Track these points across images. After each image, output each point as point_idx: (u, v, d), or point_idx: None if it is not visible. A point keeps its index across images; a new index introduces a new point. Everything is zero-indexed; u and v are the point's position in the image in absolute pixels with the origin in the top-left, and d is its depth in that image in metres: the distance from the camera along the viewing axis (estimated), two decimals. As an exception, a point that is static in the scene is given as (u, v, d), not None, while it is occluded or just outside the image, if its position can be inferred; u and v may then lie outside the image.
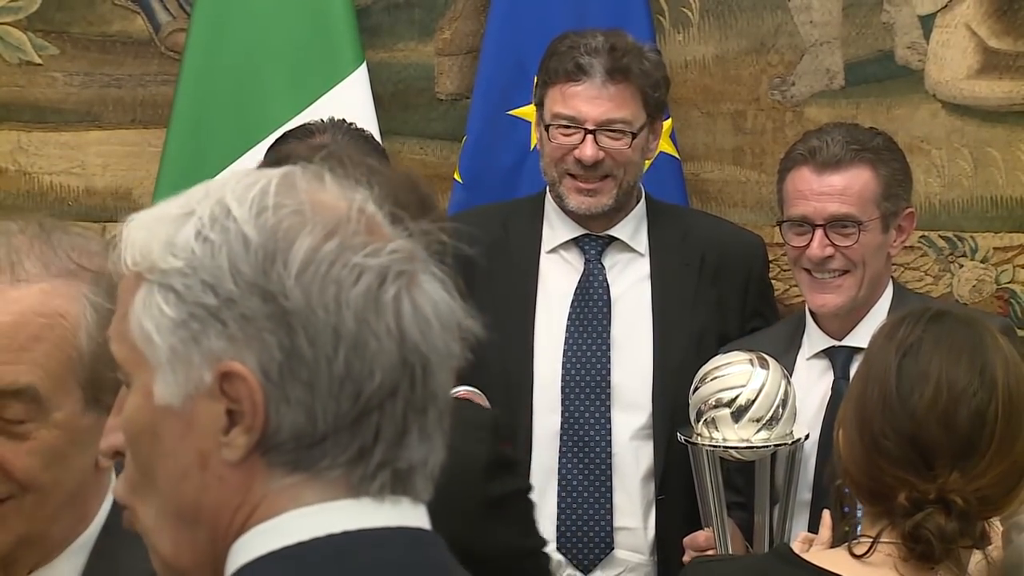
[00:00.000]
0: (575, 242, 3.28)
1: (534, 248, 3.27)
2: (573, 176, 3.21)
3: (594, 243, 3.27)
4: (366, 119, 3.77)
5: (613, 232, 3.28)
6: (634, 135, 3.20)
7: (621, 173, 3.21)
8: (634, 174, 3.24)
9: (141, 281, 1.24)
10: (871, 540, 2.05)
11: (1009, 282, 3.79)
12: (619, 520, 3.20)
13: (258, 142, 3.73)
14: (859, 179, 3.09)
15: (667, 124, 3.73)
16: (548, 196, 3.31)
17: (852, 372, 2.39)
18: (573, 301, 3.24)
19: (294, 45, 3.77)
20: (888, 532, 2.05)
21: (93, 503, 1.72)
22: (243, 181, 1.27)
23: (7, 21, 4.05)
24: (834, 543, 2.28)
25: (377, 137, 3.78)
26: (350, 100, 3.76)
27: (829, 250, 3.08)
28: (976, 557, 2.15)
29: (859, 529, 2.18)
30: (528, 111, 3.75)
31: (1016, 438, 2.07)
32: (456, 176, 3.77)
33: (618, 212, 3.27)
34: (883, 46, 3.81)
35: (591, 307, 3.24)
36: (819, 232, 3.08)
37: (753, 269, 3.36)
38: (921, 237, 3.80)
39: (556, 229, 3.29)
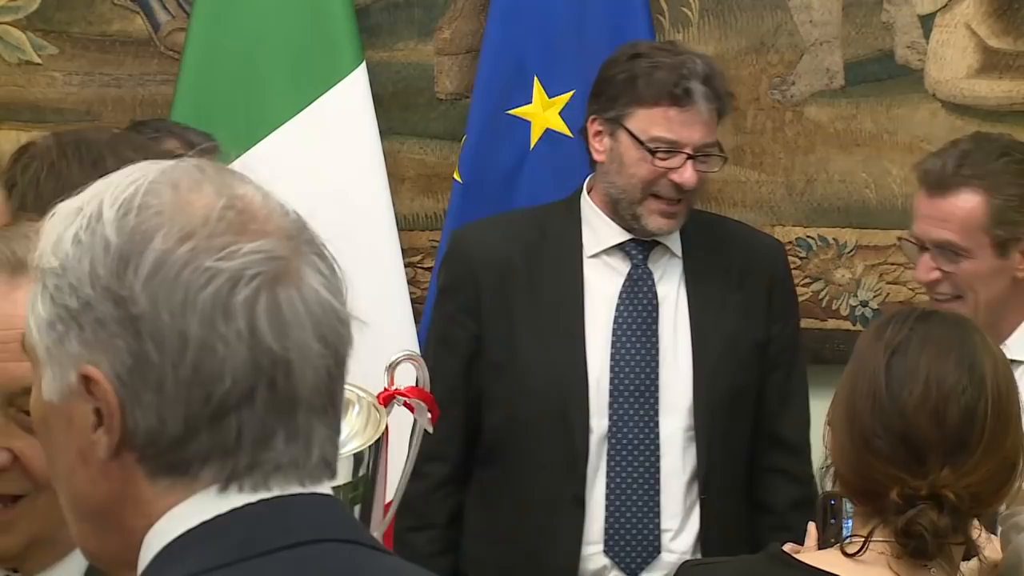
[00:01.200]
0: (619, 247, 3.29)
1: (575, 252, 3.28)
2: (658, 197, 3.21)
3: (641, 247, 3.28)
4: (366, 119, 3.78)
5: (658, 237, 3.29)
6: (725, 160, 3.27)
7: (696, 194, 3.27)
8: (700, 192, 3.31)
9: (35, 277, 1.28)
10: (863, 539, 2.05)
11: (1009, 282, 3.79)
12: (666, 523, 3.21)
13: (258, 142, 3.73)
14: (964, 205, 3.03)
15: None
16: (586, 201, 3.31)
17: None
18: (619, 304, 3.25)
19: (294, 45, 3.77)
20: (880, 530, 2.05)
21: None
22: (128, 178, 1.28)
23: (6, 21, 4.05)
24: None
25: (377, 137, 3.79)
26: (349, 100, 3.76)
27: (935, 274, 3.05)
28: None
29: (847, 531, 2.19)
30: (528, 111, 3.75)
31: (1006, 435, 2.08)
32: (456, 176, 3.76)
33: None
34: (883, 46, 3.81)
35: (639, 310, 3.26)
36: (925, 255, 3.05)
37: (776, 273, 3.37)
38: (921, 236, 3.80)
39: (599, 234, 3.29)
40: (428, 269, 3.87)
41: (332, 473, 1.28)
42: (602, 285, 3.27)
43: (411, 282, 3.83)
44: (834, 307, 3.85)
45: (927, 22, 3.78)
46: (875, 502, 2.06)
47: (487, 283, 3.25)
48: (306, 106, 3.75)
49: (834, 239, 3.84)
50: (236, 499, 1.23)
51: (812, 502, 3.36)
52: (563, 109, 3.73)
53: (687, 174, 3.17)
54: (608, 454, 3.21)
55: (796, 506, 3.32)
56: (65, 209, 1.28)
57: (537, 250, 3.27)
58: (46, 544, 1.68)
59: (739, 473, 3.30)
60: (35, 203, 2.16)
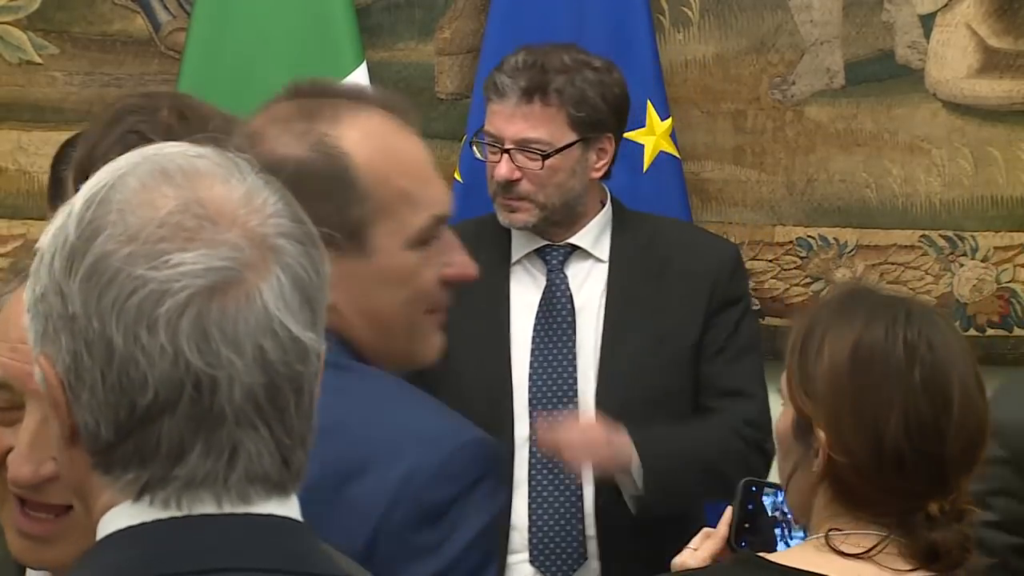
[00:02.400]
0: (537, 253, 3.28)
1: (503, 260, 3.28)
2: (498, 195, 3.24)
3: (556, 253, 3.28)
4: (366, 119, 3.78)
5: (574, 240, 3.27)
6: (546, 156, 3.18)
7: (539, 192, 3.19)
8: (559, 192, 3.21)
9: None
10: (870, 544, 2.03)
11: (1009, 281, 3.79)
12: (590, 529, 3.19)
13: (258, 142, 3.73)
14: None
15: (667, 124, 3.73)
16: None
17: None
18: (538, 312, 3.25)
19: (294, 45, 3.77)
20: (888, 539, 2.03)
21: None
22: (117, 164, 1.26)
23: (7, 20, 4.05)
24: (733, 540, 2.25)
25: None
26: (350, 100, 3.76)
27: None
28: None
29: (795, 541, 2.17)
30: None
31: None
32: (456, 176, 3.76)
33: (575, 222, 3.26)
34: (883, 45, 3.81)
35: (555, 317, 3.25)
36: None
37: (720, 276, 3.27)
38: (921, 236, 3.80)
39: (522, 241, 3.29)
40: (428, 269, 3.87)
41: (272, 488, 1.24)
42: (524, 293, 3.27)
43: (411, 282, 3.83)
44: (834, 307, 3.85)
45: (927, 22, 3.78)
46: (884, 512, 2.04)
47: None
48: (306, 106, 3.75)
49: (834, 239, 3.84)
50: (145, 513, 1.22)
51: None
52: (563, 109, 3.72)
53: (502, 169, 3.18)
54: (529, 462, 3.19)
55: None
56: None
57: (472, 256, 3.25)
58: None
59: None
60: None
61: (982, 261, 3.79)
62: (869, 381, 2.03)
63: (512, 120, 3.18)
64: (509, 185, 3.19)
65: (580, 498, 3.19)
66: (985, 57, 3.77)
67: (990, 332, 3.79)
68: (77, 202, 1.24)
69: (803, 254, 3.83)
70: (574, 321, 3.24)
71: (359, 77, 3.78)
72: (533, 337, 3.24)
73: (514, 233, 3.28)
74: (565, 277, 3.26)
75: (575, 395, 3.21)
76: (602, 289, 3.26)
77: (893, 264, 3.82)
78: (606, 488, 3.17)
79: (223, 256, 1.21)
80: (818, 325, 2.07)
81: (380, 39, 3.93)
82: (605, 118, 3.22)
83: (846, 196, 3.83)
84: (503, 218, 3.23)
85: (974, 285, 3.80)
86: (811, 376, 2.05)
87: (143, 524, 1.22)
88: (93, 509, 1.25)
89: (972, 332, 3.77)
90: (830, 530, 2.03)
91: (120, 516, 1.23)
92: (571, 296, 3.25)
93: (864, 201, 3.82)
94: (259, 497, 1.23)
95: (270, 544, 1.24)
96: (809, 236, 3.85)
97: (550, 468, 3.18)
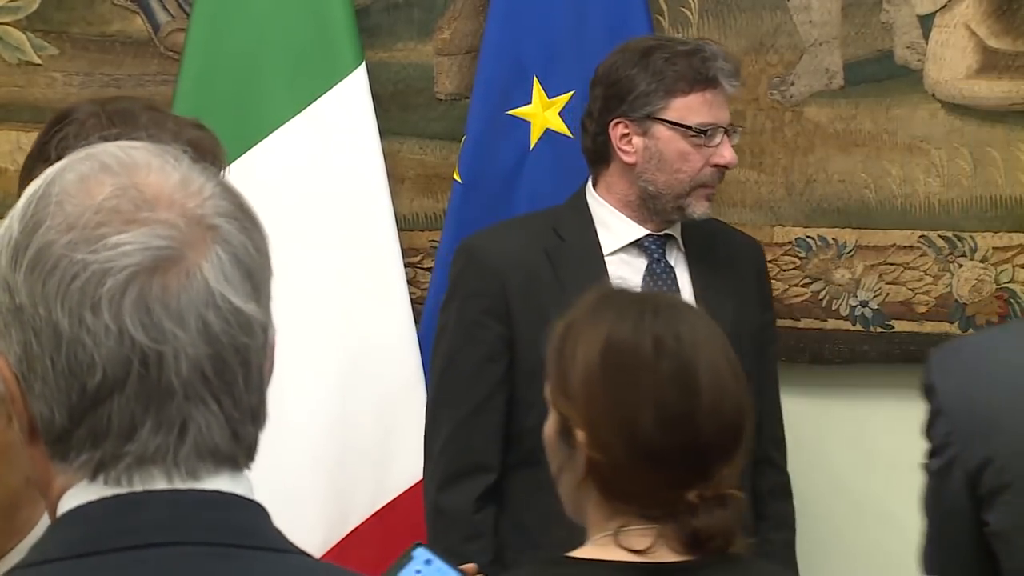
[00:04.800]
0: (635, 243, 3.31)
1: (596, 252, 3.29)
2: (704, 186, 3.28)
3: (658, 242, 3.32)
4: (365, 119, 3.78)
5: (670, 230, 3.33)
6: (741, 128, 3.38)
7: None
8: None
9: None
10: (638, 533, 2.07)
11: (1009, 282, 3.79)
12: None
13: (257, 142, 3.73)
14: None
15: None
16: (596, 201, 3.32)
17: None
18: None
19: (293, 45, 3.77)
20: (643, 525, 2.07)
21: (30, 516, 1.75)
22: (61, 162, 1.29)
23: (6, 21, 4.05)
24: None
25: (376, 137, 3.79)
26: (349, 100, 3.77)
27: None
28: None
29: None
30: (528, 111, 3.75)
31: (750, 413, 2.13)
32: (456, 176, 3.77)
33: None
34: (882, 46, 3.81)
35: None
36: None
37: (759, 266, 3.48)
38: (920, 237, 3.80)
39: (615, 232, 3.30)
40: (428, 269, 3.87)
41: (223, 462, 1.27)
42: (625, 283, 3.27)
43: (411, 282, 3.83)
44: (834, 307, 3.85)
45: (926, 22, 3.78)
46: (649, 505, 2.06)
47: (514, 288, 3.23)
48: (306, 106, 3.75)
49: (834, 239, 3.84)
50: (96, 491, 1.24)
51: (789, 491, 3.44)
52: (563, 109, 3.73)
53: (728, 153, 3.26)
54: None
55: (774, 494, 3.40)
56: None
57: (558, 252, 3.27)
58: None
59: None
60: None
61: (981, 262, 3.79)
62: (620, 378, 2.07)
63: (724, 106, 3.29)
64: (728, 168, 3.29)
65: None
66: (984, 58, 3.77)
67: (989, 332, 3.80)
68: (20, 201, 1.27)
69: (802, 254, 3.83)
70: None
71: (358, 77, 3.78)
72: None
73: (605, 224, 3.30)
74: (671, 266, 3.31)
75: None
76: (688, 276, 3.32)
77: (892, 264, 3.82)
78: None
79: (161, 235, 1.24)
80: (572, 328, 2.12)
81: (379, 39, 3.93)
82: None
83: (845, 196, 3.83)
84: (700, 207, 3.27)
85: (973, 286, 3.80)
86: (568, 378, 2.10)
87: (91, 502, 1.24)
88: (53, 500, 1.27)
89: (972, 332, 3.77)
90: (619, 527, 2.07)
91: (75, 496, 1.25)
92: (678, 283, 3.30)
93: (863, 201, 3.82)
94: (209, 472, 1.26)
95: (216, 519, 1.26)
96: (808, 236, 3.86)
97: None
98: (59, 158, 1.33)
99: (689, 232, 3.34)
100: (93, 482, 1.24)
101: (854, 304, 3.85)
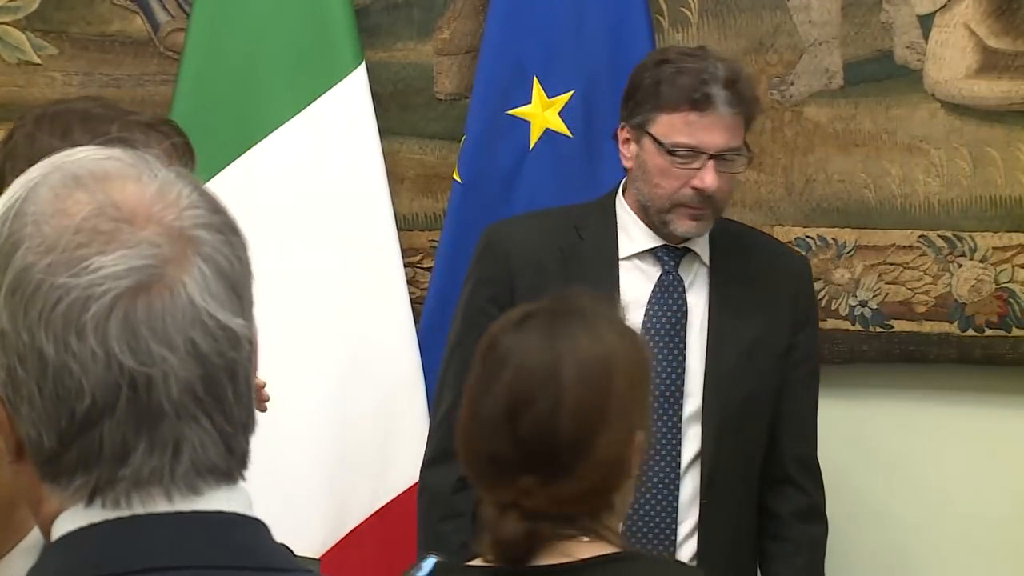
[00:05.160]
0: (651, 251, 3.29)
1: (611, 255, 3.27)
2: (685, 206, 3.21)
3: (672, 254, 3.28)
4: (365, 119, 3.78)
5: (690, 244, 3.28)
6: (749, 162, 3.26)
7: (724, 198, 3.25)
8: (729, 197, 3.30)
9: None
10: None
11: (1008, 282, 3.79)
12: (682, 531, 3.22)
13: (257, 142, 3.73)
14: None
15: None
16: (621, 203, 3.30)
17: None
18: (648, 310, 3.24)
19: (293, 45, 3.77)
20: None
21: (28, 516, 1.75)
22: (29, 175, 1.26)
23: (6, 21, 4.05)
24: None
25: (376, 137, 3.79)
26: (349, 100, 3.77)
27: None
28: None
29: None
30: (527, 111, 3.75)
31: (594, 435, 2.14)
32: (455, 176, 3.77)
33: None
34: (882, 46, 3.81)
35: (667, 316, 3.25)
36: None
37: (801, 284, 3.38)
38: (920, 237, 3.80)
39: (633, 237, 3.28)
40: (428, 269, 3.87)
41: (221, 477, 1.25)
42: (634, 289, 3.25)
43: (411, 282, 3.83)
44: (833, 307, 3.85)
45: (926, 22, 3.78)
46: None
47: (523, 280, 3.24)
48: (306, 106, 3.75)
49: (833, 239, 3.84)
50: (96, 515, 1.23)
51: (817, 514, 3.37)
52: (563, 109, 3.73)
53: (708, 178, 3.16)
54: None
55: (798, 516, 3.34)
56: None
57: (574, 251, 3.27)
58: None
59: (746, 479, 3.30)
60: (12, 174, 2.16)
61: (980, 261, 3.79)
62: (476, 375, 2.26)
63: (715, 130, 3.16)
64: (708, 196, 3.19)
65: (676, 497, 3.21)
66: (984, 57, 3.77)
67: (988, 332, 3.79)
68: None
69: (802, 254, 3.83)
70: (686, 323, 3.25)
71: (358, 77, 3.78)
72: (642, 333, 3.25)
73: (626, 230, 3.28)
74: (680, 278, 3.27)
75: (682, 396, 3.22)
76: (706, 293, 3.27)
77: (891, 264, 3.82)
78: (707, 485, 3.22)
79: (143, 255, 1.21)
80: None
81: (379, 39, 3.93)
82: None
83: (845, 196, 3.83)
84: (682, 226, 3.21)
85: (972, 285, 3.80)
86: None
87: (92, 525, 1.22)
88: (45, 518, 1.26)
89: (971, 332, 3.77)
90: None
91: (71, 519, 1.23)
92: (686, 299, 3.26)
93: (863, 201, 3.82)
94: (208, 487, 1.25)
95: (219, 540, 1.24)
96: (808, 236, 3.86)
97: (650, 465, 3.19)
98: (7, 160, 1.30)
99: (723, 245, 3.31)
100: (90, 505, 1.22)
101: (854, 304, 3.85)
